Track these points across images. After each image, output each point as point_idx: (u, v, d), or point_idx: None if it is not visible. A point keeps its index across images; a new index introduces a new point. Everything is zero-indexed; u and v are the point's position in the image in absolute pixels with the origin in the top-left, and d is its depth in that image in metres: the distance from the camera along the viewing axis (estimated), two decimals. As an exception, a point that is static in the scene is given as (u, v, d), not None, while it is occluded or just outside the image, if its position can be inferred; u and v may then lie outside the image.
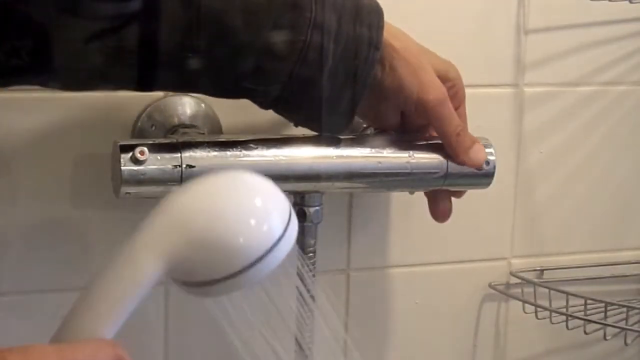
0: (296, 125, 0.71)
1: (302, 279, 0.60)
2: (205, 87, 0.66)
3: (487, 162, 0.73)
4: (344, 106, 0.67)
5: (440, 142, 0.72)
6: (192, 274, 0.48)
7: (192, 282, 0.48)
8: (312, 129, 0.71)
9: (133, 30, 0.55)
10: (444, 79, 0.70)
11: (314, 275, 0.76)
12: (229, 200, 0.48)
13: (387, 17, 0.82)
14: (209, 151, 0.68)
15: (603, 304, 0.86)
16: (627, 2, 0.87)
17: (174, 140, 0.69)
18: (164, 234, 0.47)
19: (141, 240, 0.48)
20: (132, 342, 0.84)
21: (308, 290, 0.59)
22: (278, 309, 0.55)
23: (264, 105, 0.68)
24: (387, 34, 0.67)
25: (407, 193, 0.80)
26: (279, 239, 0.48)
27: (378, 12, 0.67)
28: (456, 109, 0.71)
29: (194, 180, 0.50)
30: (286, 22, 0.62)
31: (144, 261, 0.47)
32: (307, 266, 0.71)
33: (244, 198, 0.48)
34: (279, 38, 0.62)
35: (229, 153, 0.69)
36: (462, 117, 0.73)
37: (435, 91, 0.69)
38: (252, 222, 0.47)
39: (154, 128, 0.77)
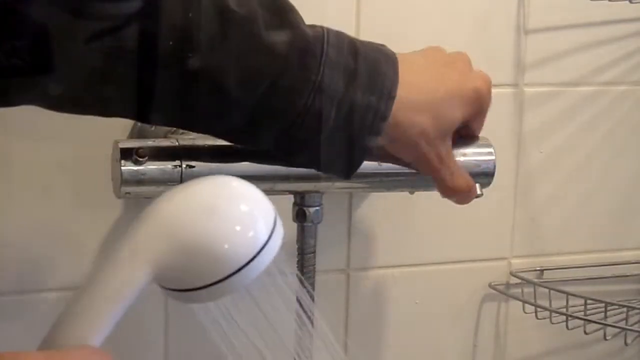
0: None
1: (301, 284, 0.60)
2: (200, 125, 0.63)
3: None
4: (338, 169, 0.63)
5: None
6: (179, 280, 0.48)
7: (178, 289, 0.49)
8: None
9: (133, 30, 0.55)
10: (469, 103, 0.67)
11: (312, 286, 0.76)
12: (214, 207, 0.48)
13: (387, 17, 0.82)
14: (208, 152, 0.68)
15: (603, 304, 0.86)
16: (627, 2, 0.87)
17: (174, 140, 0.69)
18: (150, 241, 0.47)
19: (127, 247, 0.48)
20: (133, 344, 0.84)
21: (309, 294, 0.59)
22: (274, 322, 0.55)
23: (241, 157, 0.66)
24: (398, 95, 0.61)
25: (407, 193, 0.80)
26: (264, 245, 0.48)
27: (392, 80, 0.61)
28: (476, 118, 0.69)
29: (179, 186, 0.50)
30: (287, 83, 0.58)
31: (131, 268, 0.47)
32: (307, 272, 0.70)
33: (229, 204, 0.48)
34: (276, 98, 0.58)
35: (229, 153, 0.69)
36: (479, 127, 0.70)
37: (430, 164, 0.65)
38: (237, 228, 0.47)
39: (154, 128, 0.77)
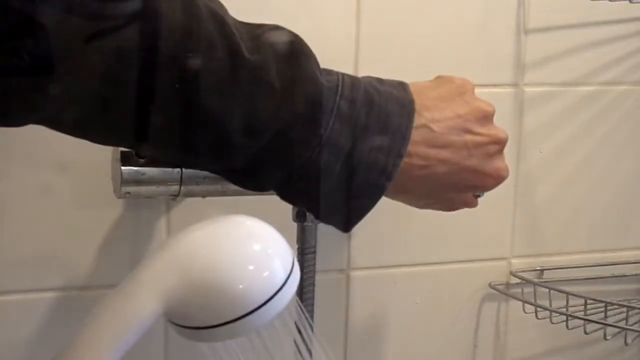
0: None
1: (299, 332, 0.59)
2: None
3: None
4: (338, 221, 0.60)
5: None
6: (189, 317, 0.47)
7: (187, 326, 0.48)
8: None
9: (133, 30, 0.55)
10: (470, 191, 0.66)
11: (313, 286, 0.76)
12: (228, 245, 0.47)
13: (387, 17, 0.82)
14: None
15: (603, 304, 0.86)
16: (627, 2, 0.87)
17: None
18: (163, 275, 0.47)
19: (140, 279, 0.47)
20: (133, 346, 0.84)
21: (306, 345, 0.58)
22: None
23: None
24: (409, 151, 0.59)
25: (407, 193, 0.80)
26: (281, 288, 0.47)
27: (402, 139, 0.58)
28: None
29: (196, 224, 0.49)
30: (294, 135, 0.55)
31: (142, 300, 0.46)
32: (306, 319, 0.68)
33: (243, 243, 0.47)
34: (280, 148, 0.56)
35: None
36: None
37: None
38: (251, 267, 0.46)
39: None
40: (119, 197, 0.68)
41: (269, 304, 0.46)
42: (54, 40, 0.51)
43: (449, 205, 0.67)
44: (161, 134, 0.55)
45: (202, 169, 0.62)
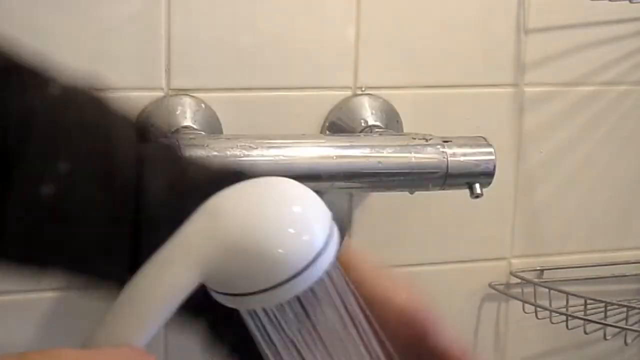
0: None
1: None
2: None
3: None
4: None
5: (440, 141, 0.72)
6: (228, 284, 0.45)
7: (227, 292, 0.46)
8: None
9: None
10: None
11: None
12: (267, 208, 0.45)
13: (387, 17, 0.82)
14: (209, 151, 0.68)
15: (603, 304, 0.86)
16: (627, 2, 0.87)
17: (174, 140, 0.68)
18: (200, 243, 0.45)
19: (176, 248, 0.45)
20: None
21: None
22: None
23: None
24: None
25: (407, 193, 0.80)
26: (321, 251, 0.44)
27: None
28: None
29: (231, 187, 0.47)
30: None
31: (179, 269, 0.45)
32: None
33: (281, 206, 0.45)
34: None
35: (229, 153, 0.69)
36: None
37: None
38: (291, 231, 0.44)
39: (153, 128, 0.77)
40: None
41: (309, 269, 0.44)
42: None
43: None
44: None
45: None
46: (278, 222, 0.44)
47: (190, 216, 0.46)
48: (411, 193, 0.80)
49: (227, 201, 0.46)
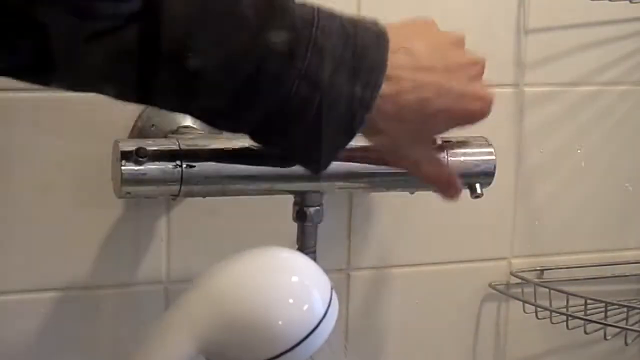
0: None
1: None
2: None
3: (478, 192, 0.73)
4: (317, 158, 0.60)
5: (440, 143, 0.72)
6: (227, 356, 0.45)
7: None
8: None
9: (133, 30, 0.55)
10: (457, 122, 0.65)
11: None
12: (265, 279, 0.45)
13: (387, 17, 0.81)
14: (209, 151, 0.68)
15: (603, 304, 0.86)
16: (627, 2, 0.87)
17: (174, 140, 0.68)
18: (196, 315, 0.45)
19: (174, 319, 0.46)
20: (134, 342, 0.84)
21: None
22: None
23: (238, 159, 0.63)
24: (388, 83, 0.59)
25: (407, 193, 0.80)
26: (321, 320, 0.45)
27: (380, 69, 0.59)
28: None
29: (228, 258, 0.47)
30: (271, 69, 0.55)
31: (176, 341, 0.45)
32: None
33: (280, 276, 0.45)
34: (259, 84, 0.55)
35: (229, 153, 0.68)
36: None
37: (417, 171, 0.66)
38: (291, 300, 0.44)
39: (153, 128, 0.77)
40: (119, 197, 0.68)
41: (310, 338, 0.44)
42: (53, 39, 0.51)
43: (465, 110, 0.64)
44: (162, 96, 0.56)
45: (183, 112, 0.62)
46: (277, 292, 0.44)
47: (187, 290, 0.46)
48: (411, 193, 0.80)
49: (224, 272, 0.46)
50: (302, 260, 0.47)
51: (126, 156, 0.66)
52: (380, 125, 0.61)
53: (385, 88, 0.59)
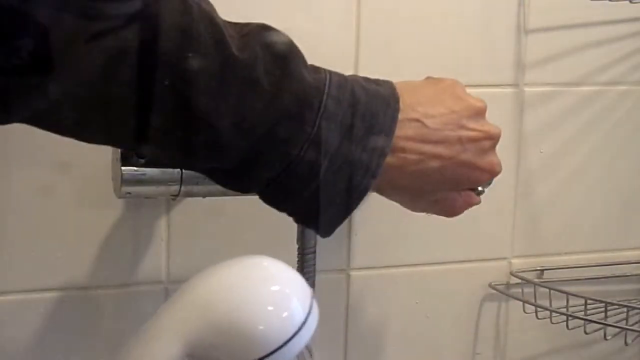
0: None
1: None
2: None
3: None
4: (322, 223, 0.61)
5: None
6: (210, 358, 0.47)
7: None
8: None
9: (133, 31, 0.55)
10: (461, 187, 0.66)
11: (313, 286, 0.76)
12: (248, 287, 0.48)
13: (387, 17, 0.82)
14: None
15: (603, 304, 0.86)
16: (627, 2, 0.87)
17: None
18: (185, 319, 0.47)
19: (162, 323, 0.48)
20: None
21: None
22: None
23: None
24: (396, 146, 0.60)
25: (407, 193, 0.80)
26: (300, 327, 0.47)
27: (387, 139, 0.60)
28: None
29: (214, 266, 0.50)
30: (282, 132, 0.56)
31: (165, 344, 0.47)
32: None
33: (262, 284, 0.48)
34: (269, 146, 0.57)
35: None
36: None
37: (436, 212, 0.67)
38: (270, 308, 0.47)
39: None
40: (119, 197, 0.68)
41: (289, 344, 0.46)
42: (53, 40, 0.51)
43: (450, 206, 0.67)
44: (158, 135, 0.55)
45: (196, 170, 0.62)
46: (258, 300, 0.47)
47: (173, 296, 0.48)
48: (411, 193, 0.80)
49: (210, 280, 0.48)
50: (283, 269, 0.49)
51: (126, 156, 0.66)
52: (387, 191, 0.63)
53: (390, 159, 0.60)
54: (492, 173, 0.66)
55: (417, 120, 0.61)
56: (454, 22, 0.87)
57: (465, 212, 0.89)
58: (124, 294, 0.80)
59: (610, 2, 0.88)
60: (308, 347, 0.55)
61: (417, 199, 0.66)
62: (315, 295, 0.49)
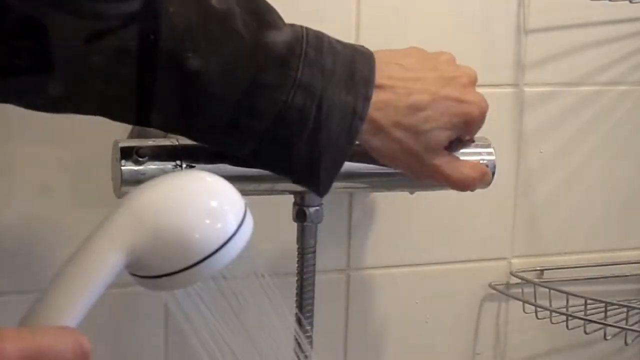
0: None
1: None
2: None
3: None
4: (321, 173, 0.62)
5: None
6: (150, 267, 0.51)
7: (149, 275, 0.51)
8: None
9: (133, 30, 0.55)
10: (455, 128, 0.66)
11: (313, 286, 0.76)
12: (187, 199, 0.51)
13: (387, 17, 0.82)
14: (208, 151, 0.68)
15: (603, 304, 0.86)
16: (627, 2, 0.87)
17: (174, 140, 0.68)
18: (125, 228, 0.50)
19: (103, 233, 0.50)
20: (133, 342, 0.84)
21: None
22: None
23: (236, 161, 0.65)
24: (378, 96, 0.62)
25: (407, 193, 0.80)
26: (232, 236, 0.51)
27: (368, 82, 0.62)
28: (466, 135, 0.69)
29: (155, 178, 0.53)
30: (267, 79, 0.59)
31: (106, 253, 0.49)
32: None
33: (200, 198, 0.51)
34: (257, 95, 0.59)
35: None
36: (471, 139, 0.70)
37: (420, 177, 0.67)
38: (207, 220, 0.51)
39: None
40: (119, 197, 0.68)
41: (221, 251, 0.50)
42: (53, 40, 0.51)
43: (455, 168, 0.67)
44: (162, 98, 0.58)
45: (190, 133, 0.63)
46: (196, 212, 0.50)
47: (116, 206, 0.51)
48: (411, 193, 0.80)
49: (152, 191, 0.51)
50: (221, 184, 0.53)
51: (126, 156, 0.66)
52: (380, 137, 0.63)
53: (377, 96, 0.62)
54: (480, 106, 0.66)
55: (395, 64, 0.65)
56: (454, 22, 0.87)
57: (465, 212, 0.89)
58: (124, 294, 0.80)
59: (610, 2, 0.88)
60: None
61: (420, 153, 0.65)
62: (248, 208, 0.53)
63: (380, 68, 0.63)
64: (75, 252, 0.50)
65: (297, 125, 0.59)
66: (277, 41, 0.59)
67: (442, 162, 0.66)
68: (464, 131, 0.67)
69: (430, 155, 0.65)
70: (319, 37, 0.61)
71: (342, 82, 0.60)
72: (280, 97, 0.59)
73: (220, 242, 0.50)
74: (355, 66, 0.62)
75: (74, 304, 0.50)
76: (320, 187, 0.64)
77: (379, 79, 0.62)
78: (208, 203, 0.51)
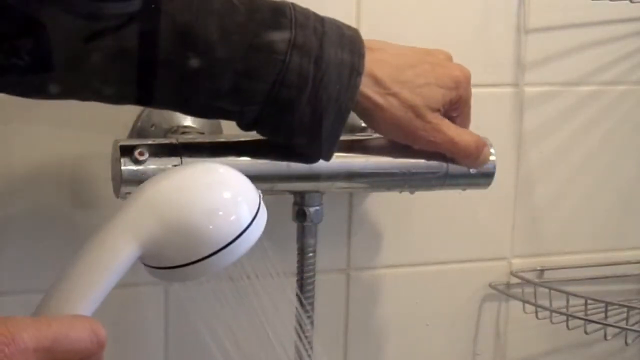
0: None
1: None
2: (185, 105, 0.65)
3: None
4: (324, 133, 0.64)
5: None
6: (163, 258, 0.51)
7: (162, 266, 0.51)
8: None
9: (133, 30, 0.55)
10: (447, 88, 0.69)
11: (312, 285, 0.76)
12: (201, 191, 0.51)
13: (387, 17, 0.82)
14: (208, 151, 0.68)
15: (603, 304, 0.86)
16: (627, 2, 0.87)
17: (174, 140, 0.69)
18: (139, 219, 0.50)
19: (118, 224, 0.50)
20: (133, 341, 0.84)
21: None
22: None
23: (242, 126, 0.65)
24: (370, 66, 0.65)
25: (407, 193, 0.80)
26: (246, 229, 0.51)
27: (359, 41, 0.65)
28: (460, 111, 0.70)
29: (169, 169, 0.54)
30: (264, 41, 0.61)
31: (120, 243, 0.50)
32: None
33: (215, 190, 0.52)
34: (256, 58, 0.61)
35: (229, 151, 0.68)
36: (466, 118, 0.71)
37: (422, 140, 0.68)
38: (221, 213, 0.51)
39: (153, 128, 0.77)
40: (119, 197, 0.68)
41: (235, 243, 0.51)
42: (53, 40, 0.51)
43: (454, 129, 0.69)
44: (161, 94, 0.59)
45: (202, 105, 0.64)
46: (210, 204, 0.51)
47: (130, 196, 0.52)
48: (411, 193, 0.80)
49: (166, 183, 0.52)
50: (236, 176, 0.53)
51: (126, 155, 0.66)
52: (379, 91, 0.65)
53: (370, 55, 0.65)
54: (462, 69, 0.70)
55: (378, 41, 0.67)
56: (454, 22, 0.87)
57: (465, 212, 0.89)
58: (124, 294, 0.80)
59: (610, 2, 0.88)
60: None
61: (419, 107, 0.67)
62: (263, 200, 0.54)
63: (367, 40, 0.66)
64: (90, 241, 0.50)
65: (297, 85, 0.61)
66: (268, 8, 0.62)
67: (442, 122, 0.68)
68: (455, 93, 0.68)
69: (430, 113, 0.67)
70: (305, 8, 0.64)
71: (334, 42, 0.63)
72: (279, 57, 0.61)
73: (235, 234, 0.51)
74: (342, 31, 0.64)
75: (89, 294, 0.50)
76: (322, 148, 0.65)
77: (367, 43, 0.65)
78: (222, 195, 0.52)
